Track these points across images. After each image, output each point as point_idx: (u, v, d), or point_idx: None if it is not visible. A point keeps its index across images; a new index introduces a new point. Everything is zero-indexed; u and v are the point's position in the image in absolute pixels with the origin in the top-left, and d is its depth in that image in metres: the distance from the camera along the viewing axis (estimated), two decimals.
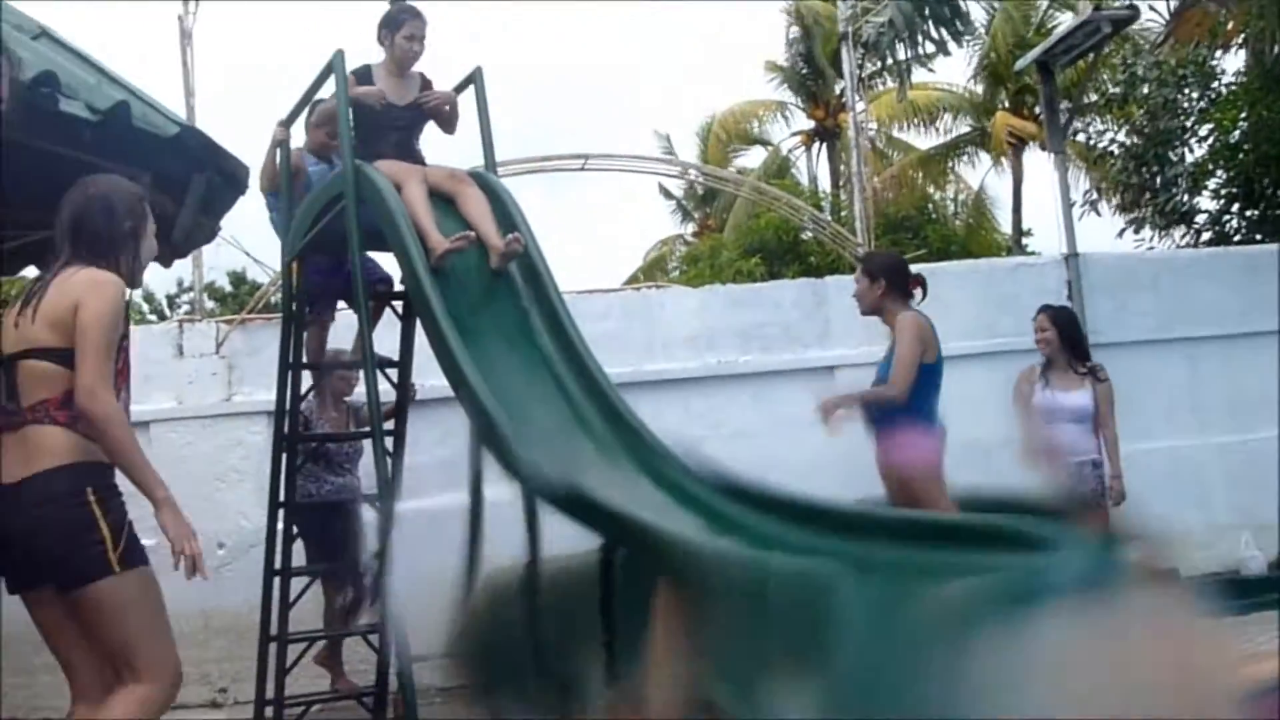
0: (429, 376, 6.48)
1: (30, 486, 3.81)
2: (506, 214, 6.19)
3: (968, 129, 26.96)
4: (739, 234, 24.43)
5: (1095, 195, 17.08)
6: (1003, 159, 25.97)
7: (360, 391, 7.50)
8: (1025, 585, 3.16)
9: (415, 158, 6.50)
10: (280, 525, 7.02)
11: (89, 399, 3.78)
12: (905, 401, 5.94)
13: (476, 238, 5.83)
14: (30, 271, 9.12)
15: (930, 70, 24.54)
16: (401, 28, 6.45)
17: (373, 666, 7.22)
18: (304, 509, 7.12)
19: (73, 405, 3.85)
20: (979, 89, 26.53)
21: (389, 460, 6.50)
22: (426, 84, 6.62)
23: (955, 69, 31.96)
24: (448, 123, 6.69)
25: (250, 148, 7.11)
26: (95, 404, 3.78)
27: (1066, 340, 7.44)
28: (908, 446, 5.88)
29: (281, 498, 7.03)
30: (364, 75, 6.46)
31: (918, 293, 6.33)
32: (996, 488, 5.28)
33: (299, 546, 7.17)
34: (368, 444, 7.21)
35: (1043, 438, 7.14)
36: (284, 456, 7.01)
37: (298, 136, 7.23)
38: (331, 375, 7.41)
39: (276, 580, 7.03)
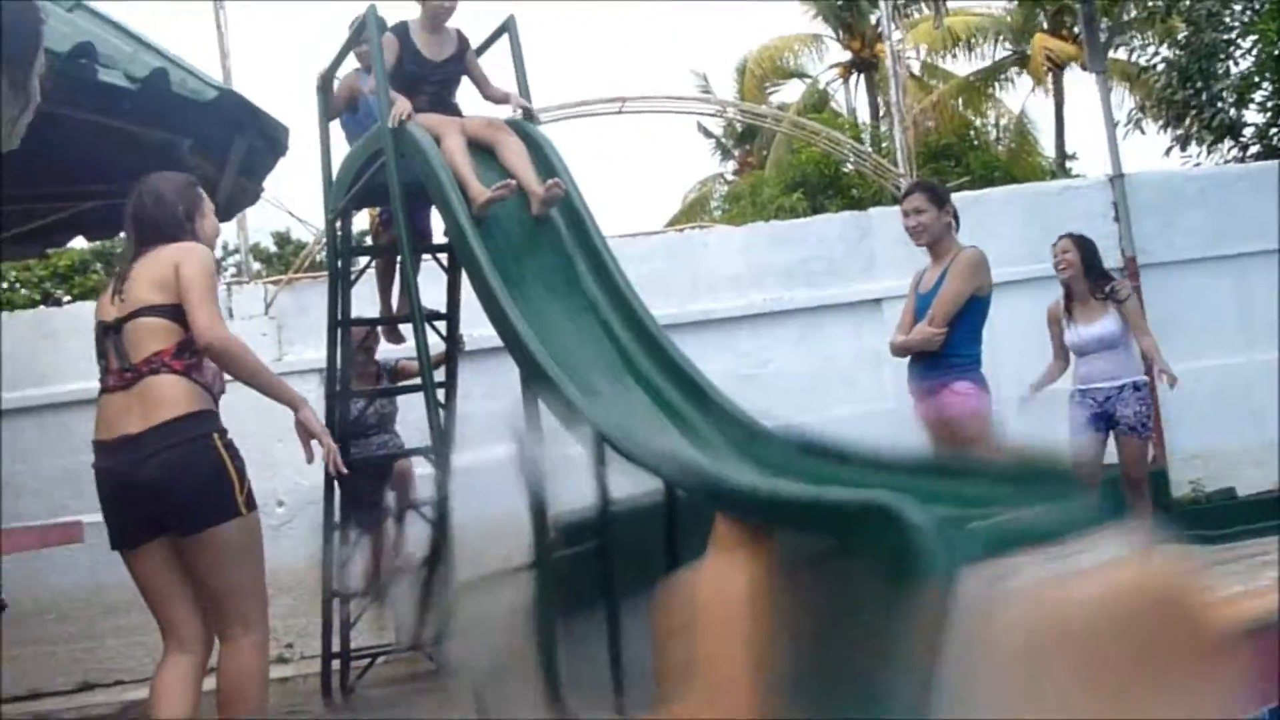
0: (476, 327, 6.52)
1: (156, 434, 3.98)
2: (546, 160, 6.19)
3: (1007, 53, 26.63)
4: (780, 170, 24.29)
5: (1140, 114, 16.83)
6: (1044, 81, 25.64)
7: (387, 348, 7.57)
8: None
9: (452, 110, 6.51)
10: (336, 483, 7.09)
11: (211, 334, 4.01)
12: (949, 340, 5.90)
13: (517, 186, 5.83)
14: (79, 242, 9.25)
15: None
16: None
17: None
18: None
19: (186, 355, 4.08)
20: (1018, 10, 26.18)
21: (440, 412, 6.54)
22: (463, 40, 6.62)
23: None
24: (485, 85, 6.72)
25: (289, 108, 7.15)
26: (218, 336, 4.03)
27: (1088, 267, 7.38)
28: (955, 404, 5.82)
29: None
30: (401, 31, 6.46)
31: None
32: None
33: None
34: (403, 401, 7.30)
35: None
36: (335, 412, 7.07)
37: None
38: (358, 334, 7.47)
39: (336, 536, 7.13)
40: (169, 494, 3.96)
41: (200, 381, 4.11)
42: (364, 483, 7.19)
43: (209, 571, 4.03)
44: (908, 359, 6.17)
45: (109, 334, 4.17)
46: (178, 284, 4.06)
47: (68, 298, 20.26)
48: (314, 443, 4.26)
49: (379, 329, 7.55)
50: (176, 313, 4.07)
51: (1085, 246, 7.48)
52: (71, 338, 8.21)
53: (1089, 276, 7.37)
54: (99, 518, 4.16)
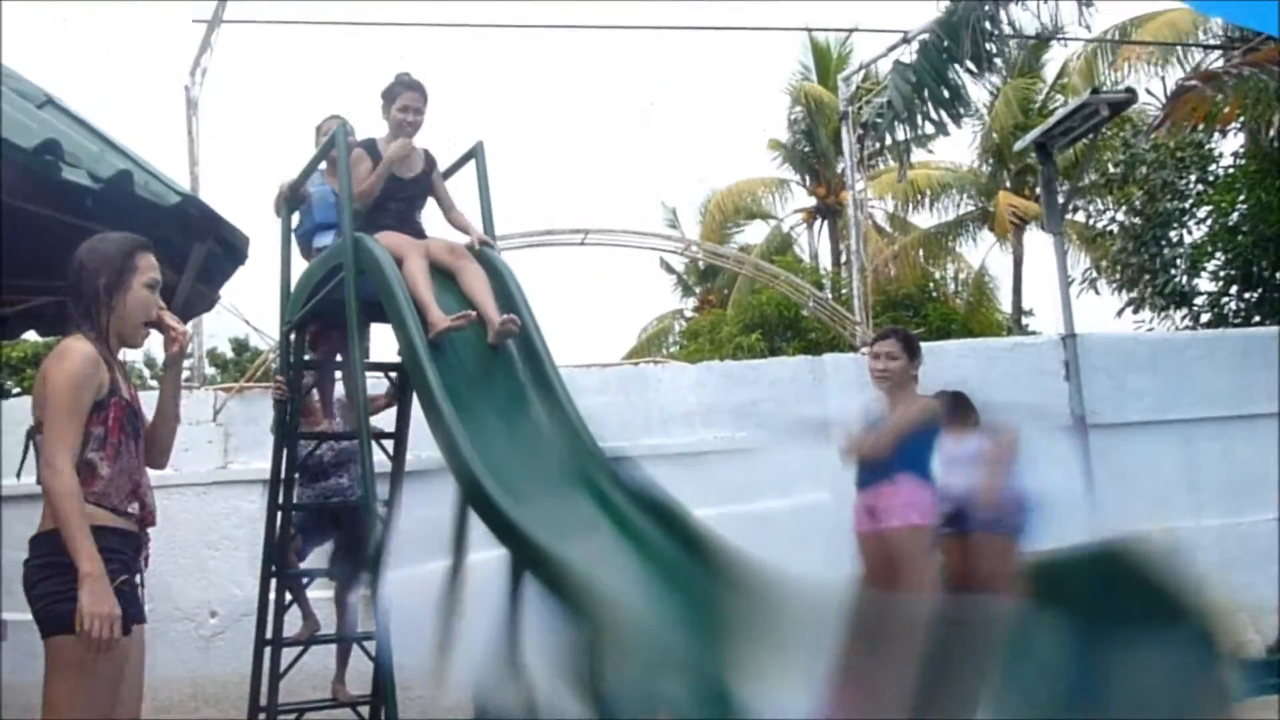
0: (425, 448, 6.49)
1: (33, 543, 3.96)
2: (506, 291, 6.24)
3: (971, 208, 27.09)
4: (739, 309, 24.48)
5: (1095, 274, 17.13)
6: (1006, 237, 26.08)
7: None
8: None
9: (415, 229, 6.54)
10: (273, 595, 6.98)
11: (45, 469, 3.89)
12: (894, 465, 5.91)
13: (476, 316, 5.86)
14: (31, 335, 9.18)
15: (929, 151, 24.88)
16: (397, 100, 6.53)
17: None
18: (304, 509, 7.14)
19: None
20: (984, 169, 26.72)
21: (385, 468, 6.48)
22: (430, 160, 6.67)
23: (958, 148, 32.17)
24: (450, 209, 6.76)
25: (253, 216, 7.19)
26: (49, 474, 3.87)
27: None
28: (899, 507, 5.83)
29: (274, 567, 7.00)
30: (369, 146, 6.52)
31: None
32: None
33: (293, 613, 7.12)
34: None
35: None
36: (277, 525, 6.98)
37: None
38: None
39: (268, 651, 6.99)
40: (29, 600, 3.93)
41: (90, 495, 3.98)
42: (322, 525, 7.19)
43: (48, 677, 3.91)
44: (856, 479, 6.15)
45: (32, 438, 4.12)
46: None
47: (17, 389, 20.07)
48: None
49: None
50: None
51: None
52: (16, 431, 8.09)
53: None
54: (23, 615, 4.07)
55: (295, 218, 7.24)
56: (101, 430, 4.03)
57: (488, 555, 5.12)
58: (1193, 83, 11.22)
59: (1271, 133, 12.02)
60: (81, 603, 3.79)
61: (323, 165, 7.10)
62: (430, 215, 6.76)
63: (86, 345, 4.05)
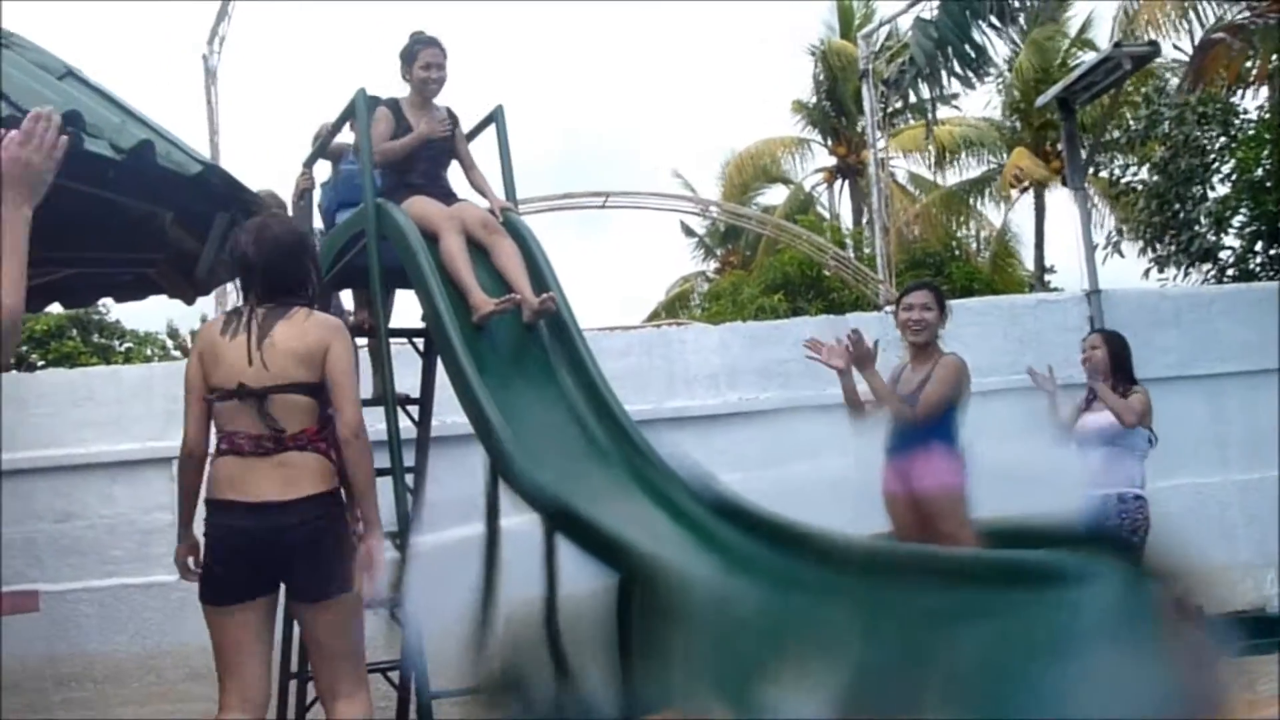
0: (449, 414, 6.50)
1: (304, 505, 4.17)
2: (536, 266, 6.22)
3: (994, 165, 26.93)
4: (761, 270, 24.46)
5: (1118, 236, 17.01)
6: (1012, 195, 25.98)
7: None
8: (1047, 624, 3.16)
9: (442, 187, 6.52)
10: None
11: (356, 436, 4.20)
12: (928, 431, 5.89)
13: (520, 300, 5.86)
14: (55, 308, 9.23)
15: (956, 108, 24.74)
16: (417, 59, 6.46)
17: (393, 703, 7.21)
18: None
19: (327, 434, 4.27)
20: (1008, 124, 26.56)
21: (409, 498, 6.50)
22: (453, 118, 6.63)
23: (982, 105, 31.96)
24: (471, 168, 6.73)
25: (275, 184, 7.20)
26: (362, 440, 4.22)
27: (1115, 361, 7.18)
28: (934, 470, 5.81)
29: None
30: (393, 106, 6.49)
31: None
32: (1020, 518, 5.24)
33: None
34: None
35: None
36: None
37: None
38: None
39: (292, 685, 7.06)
40: (312, 560, 4.17)
41: (333, 460, 4.27)
42: None
43: (335, 634, 4.28)
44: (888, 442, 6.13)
45: (249, 397, 4.23)
46: (325, 365, 4.24)
47: (41, 363, 20.17)
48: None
49: None
50: (320, 390, 4.26)
51: (1117, 342, 7.31)
52: (40, 405, 8.15)
53: (1115, 373, 7.14)
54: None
55: (317, 194, 7.25)
56: None
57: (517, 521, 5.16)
58: (1219, 35, 11.10)
59: None
60: (376, 554, 4.21)
61: (354, 140, 7.08)
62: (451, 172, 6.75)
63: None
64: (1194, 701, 3.01)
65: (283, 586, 4.27)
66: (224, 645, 4.25)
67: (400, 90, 6.61)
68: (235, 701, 4.20)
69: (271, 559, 4.17)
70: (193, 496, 4.38)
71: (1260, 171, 13.84)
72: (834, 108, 28.89)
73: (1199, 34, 14.20)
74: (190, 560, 4.42)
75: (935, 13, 11.61)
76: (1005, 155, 26.23)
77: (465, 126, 6.80)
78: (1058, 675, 3.06)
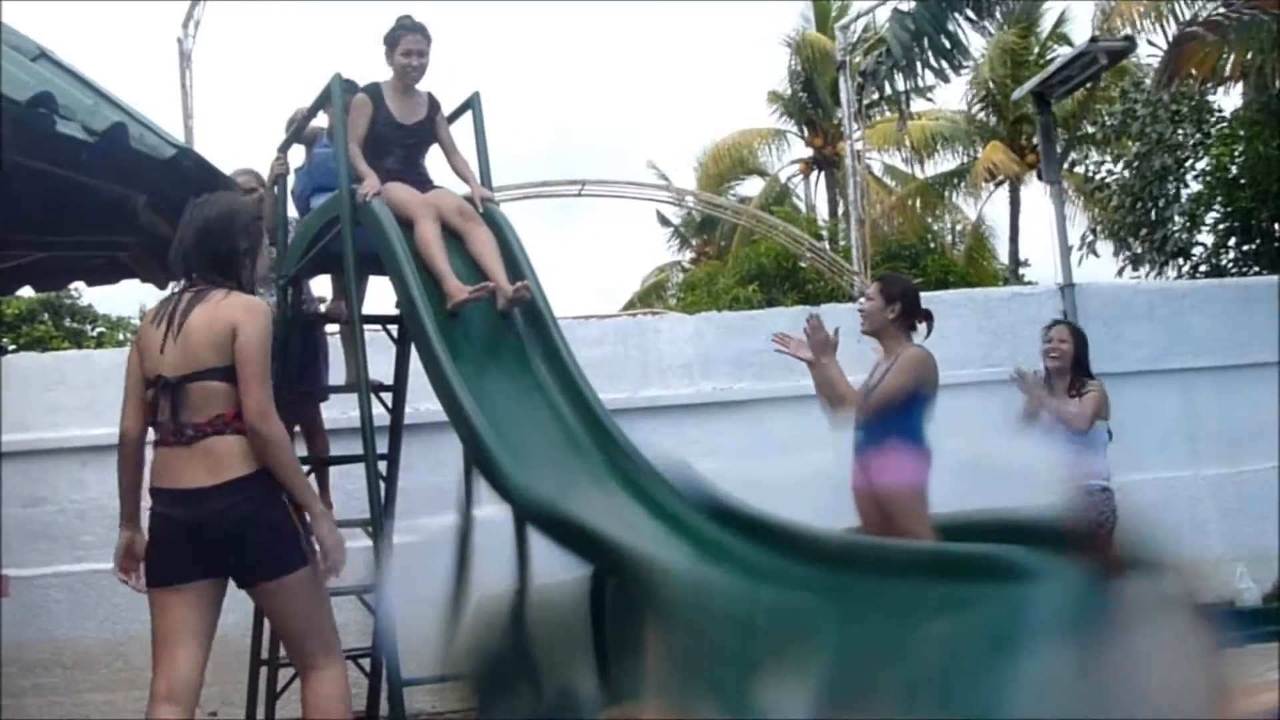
0: (423, 400, 6.48)
1: (228, 490, 4.12)
2: (511, 254, 6.20)
3: (968, 159, 26.99)
4: (736, 261, 24.47)
5: (1092, 237, 17.04)
6: (986, 189, 26.06)
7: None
8: (1010, 619, 3.17)
9: (419, 174, 6.50)
10: None
11: (261, 421, 4.12)
12: (890, 426, 5.89)
13: (494, 287, 5.85)
14: (26, 291, 9.15)
15: (930, 100, 24.78)
16: (399, 44, 6.42)
17: (364, 690, 7.20)
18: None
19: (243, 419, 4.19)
20: (983, 118, 26.61)
21: (381, 485, 6.49)
22: (434, 104, 6.61)
23: (956, 98, 32.07)
24: (452, 152, 6.70)
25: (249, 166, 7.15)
26: (268, 426, 4.14)
27: (1078, 357, 7.26)
28: (892, 467, 5.81)
29: None
30: (374, 92, 6.45)
31: (922, 328, 6.18)
32: (989, 511, 5.24)
33: None
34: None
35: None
36: None
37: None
38: None
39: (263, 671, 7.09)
40: (245, 543, 4.14)
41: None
42: None
43: (289, 615, 4.31)
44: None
45: (165, 389, 4.21)
46: (234, 348, 4.15)
47: (13, 347, 20.04)
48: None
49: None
50: (232, 374, 4.17)
51: (1080, 336, 7.40)
52: (11, 389, 8.09)
53: (1075, 367, 7.23)
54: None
55: (291, 179, 7.21)
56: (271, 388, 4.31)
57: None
58: (1194, 29, 11.12)
59: (1278, 83, 11.85)
60: (324, 536, 4.24)
61: (328, 124, 7.04)
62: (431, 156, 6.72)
63: (267, 306, 4.41)
64: (1172, 696, 3.02)
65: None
66: (161, 628, 4.24)
67: (383, 75, 6.58)
68: (163, 690, 4.17)
69: (205, 545, 4.15)
70: (133, 490, 4.35)
71: (1234, 168, 13.90)
72: (810, 99, 28.90)
73: (1174, 30, 14.22)
74: (127, 551, 4.37)
75: (913, 4, 11.61)
76: (980, 149, 26.27)
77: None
78: (1007, 671, 3.07)
